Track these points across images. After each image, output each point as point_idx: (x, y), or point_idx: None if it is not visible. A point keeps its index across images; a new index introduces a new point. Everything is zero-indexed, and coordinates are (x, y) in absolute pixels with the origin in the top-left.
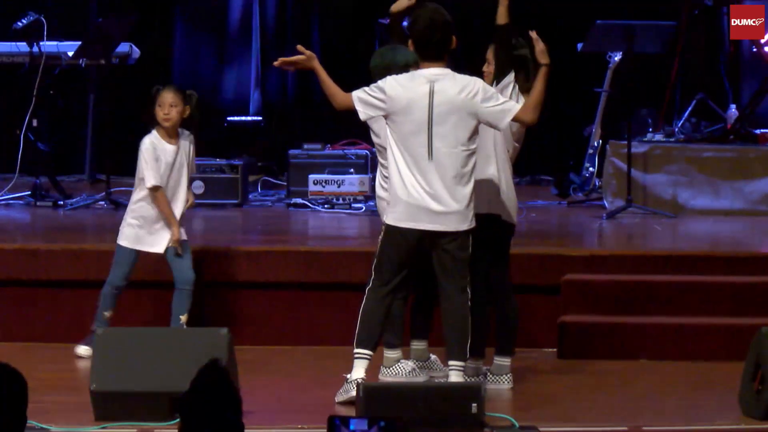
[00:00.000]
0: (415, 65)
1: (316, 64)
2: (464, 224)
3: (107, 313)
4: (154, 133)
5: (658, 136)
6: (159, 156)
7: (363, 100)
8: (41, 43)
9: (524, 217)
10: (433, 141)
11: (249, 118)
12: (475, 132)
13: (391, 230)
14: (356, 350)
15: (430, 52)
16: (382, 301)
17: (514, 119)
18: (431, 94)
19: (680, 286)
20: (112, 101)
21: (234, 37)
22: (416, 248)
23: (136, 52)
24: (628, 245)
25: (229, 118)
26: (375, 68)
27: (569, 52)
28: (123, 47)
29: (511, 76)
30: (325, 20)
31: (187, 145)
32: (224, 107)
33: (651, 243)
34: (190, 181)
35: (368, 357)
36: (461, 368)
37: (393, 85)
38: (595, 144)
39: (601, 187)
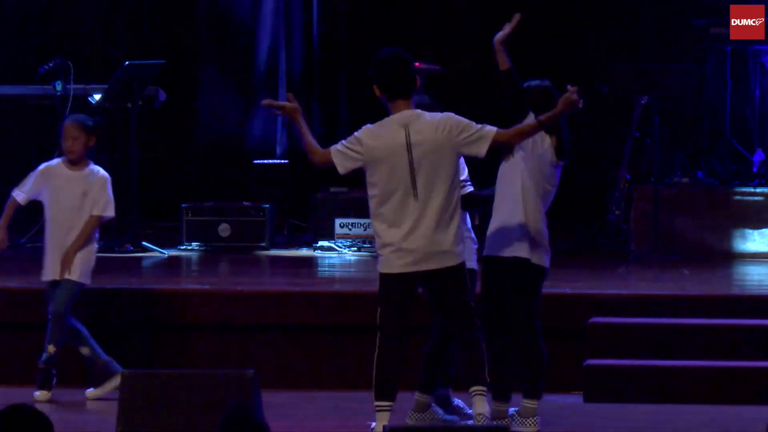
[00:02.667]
0: (430, 107)
1: (298, 117)
2: (453, 260)
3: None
4: (59, 159)
5: (685, 180)
6: (48, 178)
7: (341, 152)
8: (68, 86)
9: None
10: (417, 182)
11: (275, 161)
12: (456, 167)
13: (385, 278)
14: (376, 403)
15: (398, 92)
16: (395, 351)
17: (495, 142)
18: (407, 137)
19: (707, 330)
20: (138, 144)
21: (260, 80)
22: (414, 290)
23: (163, 96)
24: (654, 288)
25: (255, 161)
26: None
27: (596, 94)
28: (149, 90)
29: (530, 117)
30: (351, 64)
31: (94, 181)
32: (250, 150)
33: (678, 286)
34: (98, 219)
35: (389, 408)
36: (483, 392)
37: (368, 134)
38: (622, 187)
39: (628, 231)
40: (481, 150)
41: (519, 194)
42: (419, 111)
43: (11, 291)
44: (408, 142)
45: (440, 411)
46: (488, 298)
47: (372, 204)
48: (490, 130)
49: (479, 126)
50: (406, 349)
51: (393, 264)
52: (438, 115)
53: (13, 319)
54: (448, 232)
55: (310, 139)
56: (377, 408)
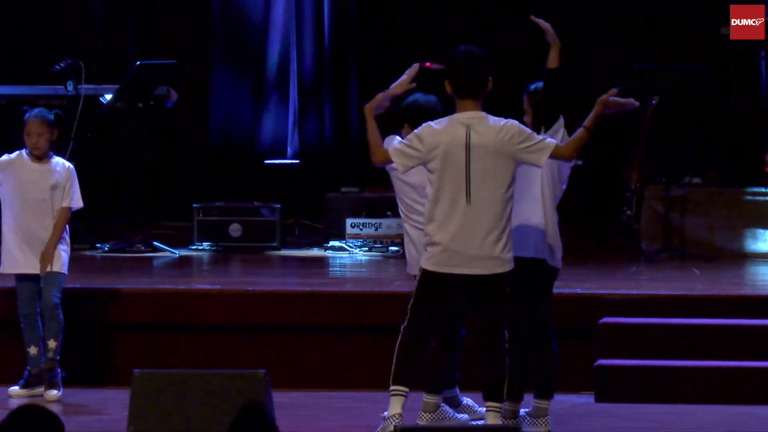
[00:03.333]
0: (443, 113)
1: (369, 113)
2: (502, 268)
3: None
4: (18, 152)
5: (696, 180)
6: (8, 170)
7: (400, 152)
8: (79, 86)
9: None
10: (471, 184)
11: (286, 161)
12: (513, 174)
13: (428, 274)
14: (392, 387)
15: (468, 91)
16: (418, 341)
17: (553, 156)
18: (468, 137)
19: (718, 330)
20: (149, 144)
21: (271, 80)
22: (453, 293)
23: (174, 96)
24: (665, 288)
25: (266, 162)
26: (406, 111)
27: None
28: (160, 90)
29: (561, 121)
30: (363, 65)
31: (61, 173)
32: (261, 150)
33: (689, 286)
34: (69, 210)
35: (404, 393)
36: (498, 409)
37: (429, 131)
38: (633, 187)
39: (639, 231)
40: (540, 160)
41: (539, 195)
42: (484, 113)
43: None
44: (468, 142)
45: (450, 410)
46: None
47: (427, 201)
48: (551, 142)
49: (540, 137)
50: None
51: (441, 263)
52: (502, 120)
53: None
54: (499, 238)
55: (375, 136)
56: (392, 392)
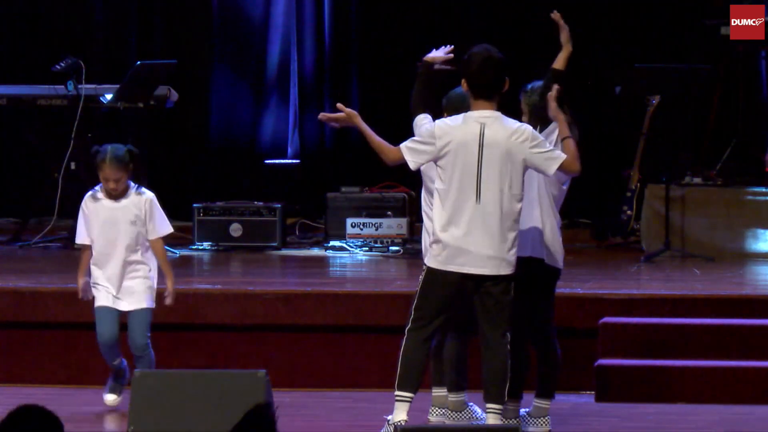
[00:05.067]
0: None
1: (359, 122)
2: (507, 269)
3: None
4: (97, 188)
5: (696, 180)
6: (91, 215)
7: (412, 149)
8: (80, 86)
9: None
10: (481, 184)
11: (287, 161)
12: (522, 177)
13: (433, 273)
14: (397, 393)
15: (483, 91)
16: (423, 343)
17: (561, 168)
18: (482, 136)
19: (719, 330)
20: (150, 144)
21: (272, 81)
22: (458, 291)
23: (174, 95)
24: (666, 288)
25: (266, 161)
26: (449, 101)
27: (608, 95)
28: (161, 90)
29: (555, 123)
30: (364, 65)
31: (138, 204)
32: (262, 150)
33: (689, 286)
34: (159, 243)
35: (409, 399)
36: (499, 411)
37: (443, 127)
38: (633, 187)
39: (639, 230)
40: (550, 169)
41: (535, 195)
42: (499, 113)
43: (18, 291)
44: (481, 141)
45: (478, 410)
46: None
47: (435, 198)
48: (561, 154)
49: (552, 147)
50: (457, 347)
51: (445, 261)
52: (516, 123)
53: (17, 319)
54: (506, 239)
55: (378, 140)
56: (397, 398)
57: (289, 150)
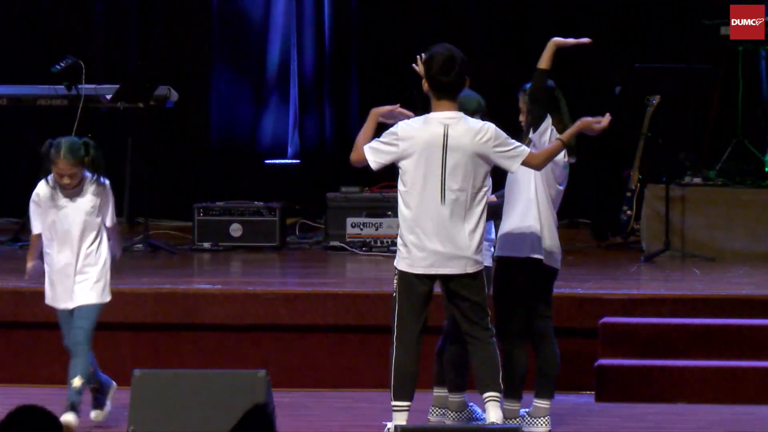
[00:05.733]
0: (481, 113)
1: (372, 116)
2: (474, 267)
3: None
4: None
5: (696, 179)
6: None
7: (374, 149)
8: (79, 86)
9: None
10: (446, 184)
11: (287, 161)
12: (486, 176)
13: (404, 276)
14: (394, 403)
15: (446, 92)
16: (411, 350)
17: (524, 163)
18: (446, 137)
19: (718, 330)
20: (150, 144)
21: (272, 81)
22: (431, 292)
23: (174, 95)
24: (666, 288)
25: (266, 161)
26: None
27: (608, 95)
28: (161, 90)
29: (548, 121)
30: (363, 65)
31: (97, 193)
32: (262, 150)
33: (689, 286)
34: (113, 231)
35: (407, 408)
36: (497, 398)
37: (406, 128)
38: (633, 187)
39: (639, 230)
40: (513, 166)
41: (533, 195)
42: (462, 114)
43: (18, 291)
44: (445, 142)
45: (478, 410)
46: (500, 298)
47: (399, 200)
48: (525, 149)
49: (516, 144)
50: (420, 349)
51: (414, 263)
52: (479, 123)
53: (17, 319)
54: (472, 238)
55: (363, 139)
56: (394, 408)
57: (289, 150)
